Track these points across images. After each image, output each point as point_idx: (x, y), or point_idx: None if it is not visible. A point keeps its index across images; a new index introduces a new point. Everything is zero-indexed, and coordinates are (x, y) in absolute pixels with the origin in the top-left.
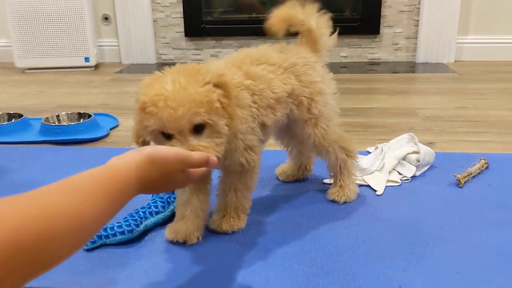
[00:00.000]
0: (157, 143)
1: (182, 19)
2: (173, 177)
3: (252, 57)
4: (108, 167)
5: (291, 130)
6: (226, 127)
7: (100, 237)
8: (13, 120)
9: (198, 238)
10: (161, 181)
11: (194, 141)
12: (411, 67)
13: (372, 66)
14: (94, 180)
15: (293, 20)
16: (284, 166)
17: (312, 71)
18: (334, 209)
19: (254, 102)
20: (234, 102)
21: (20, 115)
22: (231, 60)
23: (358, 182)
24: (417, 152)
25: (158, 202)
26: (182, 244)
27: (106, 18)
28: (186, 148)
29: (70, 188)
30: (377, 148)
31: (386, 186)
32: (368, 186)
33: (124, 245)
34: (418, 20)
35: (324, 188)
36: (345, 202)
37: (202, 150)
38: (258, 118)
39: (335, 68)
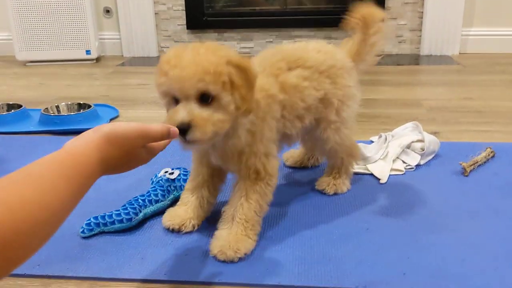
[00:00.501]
0: (168, 108)
1: (184, 11)
2: (135, 154)
3: (289, 59)
4: (68, 151)
5: (310, 130)
6: (232, 106)
7: (98, 224)
8: (12, 110)
9: (194, 227)
10: (124, 159)
11: (196, 109)
12: (415, 59)
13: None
14: (55, 167)
15: (372, 20)
16: (294, 152)
17: (348, 75)
18: (337, 198)
19: (283, 117)
20: (252, 87)
21: (20, 106)
22: (267, 64)
23: (361, 170)
24: (421, 141)
25: (158, 191)
26: (177, 232)
27: (108, 11)
28: (185, 115)
29: (31, 177)
30: (380, 136)
31: (390, 174)
32: (372, 174)
33: (121, 233)
34: (422, 12)
35: (314, 175)
36: (335, 194)
37: (200, 120)
38: (282, 130)
39: None
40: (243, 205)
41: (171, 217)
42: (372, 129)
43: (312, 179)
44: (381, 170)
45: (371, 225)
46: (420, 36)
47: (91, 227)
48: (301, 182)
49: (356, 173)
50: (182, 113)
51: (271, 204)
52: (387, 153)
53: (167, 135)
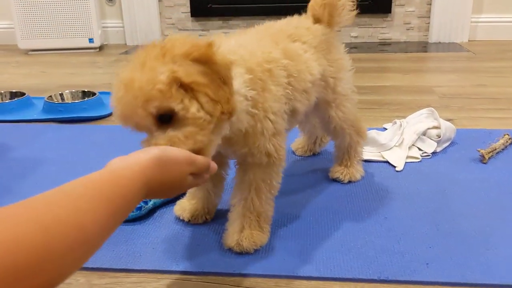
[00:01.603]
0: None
1: None
2: (182, 180)
3: (285, 33)
4: (111, 172)
5: (309, 111)
6: (201, 114)
7: None
8: (15, 98)
9: (206, 220)
10: (169, 185)
11: (163, 134)
12: (423, 47)
13: (383, 46)
14: (95, 187)
15: None
16: (300, 141)
17: (334, 48)
18: (352, 185)
19: (289, 84)
20: (226, 81)
21: (23, 94)
22: (265, 34)
23: (376, 158)
24: (437, 127)
25: None
26: (188, 222)
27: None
28: (159, 140)
29: (69, 197)
30: (395, 123)
31: (406, 162)
32: (387, 162)
33: (131, 222)
34: None
35: (327, 167)
36: (349, 182)
37: (180, 139)
38: (291, 103)
39: (345, 48)
40: (253, 201)
41: (181, 210)
42: (384, 117)
43: (324, 166)
44: (397, 157)
45: (389, 213)
46: (429, 23)
47: None
48: (312, 170)
49: (370, 161)
50: (154, 140)
51: (285, 192)
52: (402, 140)
53: (208, 168)
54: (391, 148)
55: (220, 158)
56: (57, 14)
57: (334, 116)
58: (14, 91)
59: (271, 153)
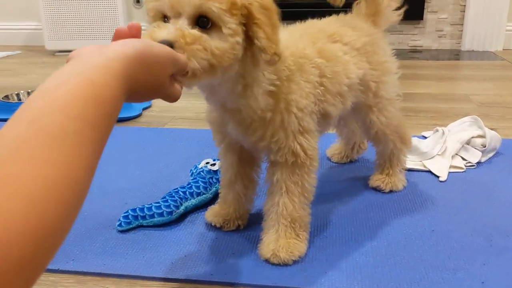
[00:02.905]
0: (152, 27)
1: None
2: (162, 81)
3: (326, 33)
4: (91, 83)
5: (347, 115)
6: (235, 41)
7: (136, 217)
8: None
9: (239, 226)
10: (149, 86)
11: (186, 28)
12: (456, 55)
13: (414, 53)
14: (79, 115)
15: None
16: (336, 147)
17: (380, 49)
18: (394, 195)
19: (321, 85)
20: (276, 29)
21: None
22: (305, 33)
23: (417, 167)
24: (482, 136)
25: (200, 182)
26: (220, 228)
27: (138, 1)
28: (170, 32)
29: (48, 135)
30: (437, 131)
31: (449, 172)
32: (429, 171)
33: (161, 227)
34: (464, 6)
35: (367, 175)
36: (391, 191)
37: (187, 42)
38: (322, 105)
39: None
40: (286, 205)
41: (213, 216)
42: (421, 124)
43: (363, 174)
44: (440, 166)
45: (436, 226)
46: (462, 30)
47: (128, 220)
48: (350, 177)
49: (411, 170)
50: (166, 30)
51: (322, 199)
52: (445, 149)
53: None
54: (433, 157)
55: (249, 158)
56: (84, 16)
57: (376, 121)
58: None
59: (298, 152)
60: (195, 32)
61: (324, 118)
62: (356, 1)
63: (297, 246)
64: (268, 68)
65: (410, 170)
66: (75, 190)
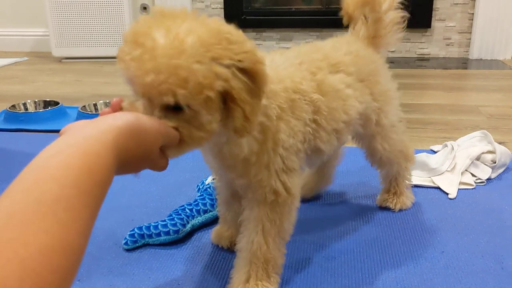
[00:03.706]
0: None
1: (222, 10)
2: (151, 154)
3: (330, 61)
4: (85, 153)
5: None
6: (214, 125)
7: (142, 236)
8: (49, 107)
9: None
10: (138, 158)
11: (159, 116)
12: (463, 63)
13: (422, 61)
14: (73, 184)
15: (373, 3)
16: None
17: (382, 78)
18: (402, 214)
19: (314, 122)
20: (259, 99)
21: (57, 103)
22: (306, 60)
23: (426, 183)
24: (492, 152)
25: (207, 199)
26: (227, 249)
27: (145, 8)
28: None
29: (44, 206)
30: (446, 146)
31: (458, 188)
32: (438, 188)
33: (167, 246)
34: (473, 14)
35: (373, 193)
36: (400, 210)
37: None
38: (314, 142)
39: None
40: (260, 244)
41: (218, 237)
42: (430, 137)
43: (371, 192)
44: (449, 183)
45: (446, 247)
46: (470, 39)
47: (135, 239)
48: (358, 195)
49: (420, 186)
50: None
51: (330, 220)
52: (454, 165)
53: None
54: (442, 173)
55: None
56: (91, 23)
57: (379, 149)
58: (48, 100)
59: (279, 191)
60: (171, 123)
61: (315, 154)
62: (353, 23)
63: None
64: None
65: (418, 186)
66: (70, 255)
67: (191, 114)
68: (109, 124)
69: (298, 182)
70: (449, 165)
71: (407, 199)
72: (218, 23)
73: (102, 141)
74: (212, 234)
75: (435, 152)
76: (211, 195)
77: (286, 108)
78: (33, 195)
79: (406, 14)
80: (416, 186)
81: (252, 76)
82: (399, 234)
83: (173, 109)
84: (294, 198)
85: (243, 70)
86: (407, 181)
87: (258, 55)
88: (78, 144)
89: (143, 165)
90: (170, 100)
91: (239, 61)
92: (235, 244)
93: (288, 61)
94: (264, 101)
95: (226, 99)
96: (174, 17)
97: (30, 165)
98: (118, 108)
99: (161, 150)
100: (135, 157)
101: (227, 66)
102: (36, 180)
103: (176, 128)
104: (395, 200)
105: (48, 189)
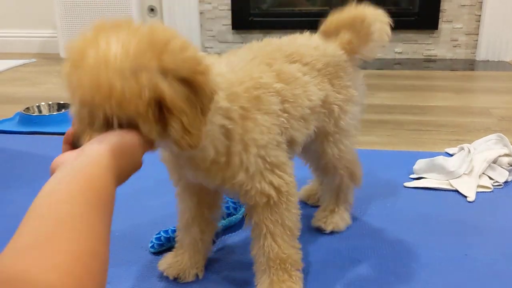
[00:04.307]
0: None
1: (230, 11)
2: (139, 164)
3: (284, 52)
4: (84, 176)
5: (308, 145)
6: (156, 136)
7: (168, 239)
8: (63, 110)
9: (196, 275)
10: (131, 169)
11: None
12: (470, 65)
13: (428, 63)
14: (80, 200)
15: (359, 21)
16: (309, 188)
17: (343, 73)
18: (425, 215)
19: (285, 111)
20: (205, 111)
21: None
22: (259, 54)
23: (444, 186)
24: (508, 155)
25: (230, 203)
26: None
27: (152, 10)
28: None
29: (65, 222)
30: (462, 149)
31: (476, 192)
32: (455, 191)
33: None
34: (480, 15)
35: (389, 194)
36: (331, 232)
37: None
38: (287, 132)
39: (389, 64)
40: (271, 247)
41: (168, 264)
42: (443, 140)
43: (388, 194)
44: (467, 186)
45: (469, 250)
46: (477, 40)
47: (161, 242)
48: (376, 198)
49: (438, 189)
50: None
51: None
52: (472, 168)
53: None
54: (460, 176)
55: (208, 200)
56: None
57: (328, 152)
58: (61, 102)
59: (268, 193)
60: None
61: (290, 145)
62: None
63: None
64: (215, 115)
65: (436, 189)
66: (98, 260)
67: (130, 125)
68: (99, 149)
69: (289, 176)
70: (466, 168)
71: (342, 220)
72: (155, 32)
73: (98, 164)
74: (162, 260)
75: (450, 155)
76: (233, 199)
77: (250, 107)
78: (51, 217)
79: (387, 32)
80: (433, 189)
81: (191, 86)
82: (421, 236)
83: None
84: (289, 195)
85: (181, 80)
86: (347, 202)
87: (200, 65)
88: (78, 170)
89: (130, 175)
90: (100, 113)
91: (173, 69)
92: (183, 275)
93: (242, 60)
94: (225, 104)
95: (163, 108)
96: (110, 31)
97: (37, 199)
98: (70, 140)
99: None
100: (129, 170)
101: (158, 73)
102: (49, 206)
103: None
104: (328, 221)
105: (62, 210)
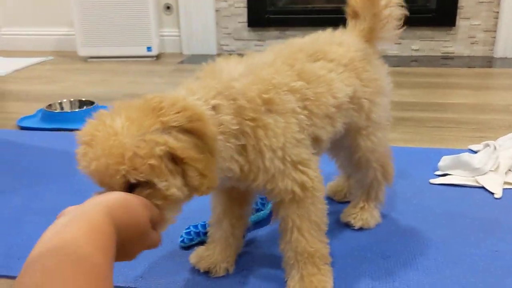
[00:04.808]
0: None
1: (245, 8)
2: (146, 227)
3: (307, 52)
4: (87, 220)
5: (338, 140)
6: (173, 189)
7: (198, 234)
8: (84, 107)
9: (226, 270)
10: (133, 229)
11: None
12: (488, 62)
13: (446, 60)
14: (84, 241)
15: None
16: (335, 184)
17: (370, 66)
18: (448, 212)
19: (305, 108)
20: (212, 153)
21: (92, 102)
22: (281, 55)
23: (470, 183)
24: None
25: (258, 199)
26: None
27: (168, 7)
28: None
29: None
30: (487, 146)
31: (503, 188)
32: (482, 187)
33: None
34: (498, 12)
35: (415, 193)
36: (361, 228)
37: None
38: (309, 129)
39: (405, 61)
40: (298, 241)
41: (199, 258)
42: (465, 137)
43: (416, 191)
44: (494, 183)
45: (499, 246)
46: (495, 37)
47: (191, 237)
48: (404, 196)
49: (464, 186)
50: None
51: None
52: (498, 165)
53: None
54: (486, 173)
55: (239, 197)
56: (116, 22)
57: (362, 146)
58: (83, 99)
59: (293, 190)
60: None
61: (315, 142)
62: (352, 17)
63: (322, 283)
64: (229, 139)
65: (462, 186)
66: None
67: (147, 186)
68: (101, 200)
69: (314, 172)
70: (492, 165)
71: (372, 218)
72: (148, 100)
73: (99, 211)
74: (192, 254)
75: (474, 152)
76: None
77: (259, 116)
78: (59, 254)
79: (405, 12)
80: (459, 185)
81: (194, 133)
82: (449, 233)
83: (134, 188)
84: (314, 190)
85: (183, 131)
86: (378, 200)
87: (194, 112)
88: (80, 216)
89: (139, 242)
90: (118, 179)
91: (173, 122)
92: (214, 268)
93: (262, 63)
94: (234, 126)
95: (177, 161)
96: (110, 113)
97: (39, 242)
98: None
99: (152, 227)
100: (131, 228)
101: (162, 131)
102: (54, 246)
103: None
104: (358, 216)
105: (70, 250)
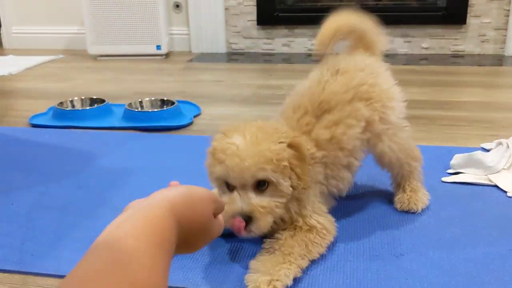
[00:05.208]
0: (219, 192)
1: (255, 7)
2: (209, 221)
3: (312, 107)
4: (148, 215)
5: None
6: (290, 188)
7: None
8: (95, 105)
9: None
10: (197, 223)
11: (254, 198)
12: (499, 60)
13: (456, 58)
14: (144, 236)
15: (346, 27)
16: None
17: (380, 76)
18: (466, 212)
19: (326, 178)
20: (306, 163)
21: (102, 100)
22: (293, 124)
23: (483, 181)
24: None
25: None
26: None
27: (177, 6)
28: (245, 206)
29: (136, 258)
30: (500, 144)
31: None
32: (494, 186)
33: (240, 239)
34: (509, 10)
35: (428, 187)
36: (422, 209)
37: (261, 211)
38: (327, 190)
39: (415, 59)
40: (287, 240)
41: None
42: (477, 135)
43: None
44: (507, 181)
45: None
46: (506, 35)
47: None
48: None
49: (477, 184)
50: (241, 203)
51: (393, 216)
52: (511, 163)
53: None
54: (499, 171)
55: None
56: (126, 21)
57: (387, 151)
58: (94, 97)
59: (315, 225)
60: (262, 201)
61: (349, 170)
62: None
63: (285, 271)
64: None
65: (474, 184)
66: None
67: (273, 187)
68: (165, 195)
69: (329, 221)
70: (505, 163)
71: (424, 195)
72: (263, 125)
73: (161, 206)
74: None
75: (487, 150)
76: None
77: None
78: (116, 247)
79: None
80: (472, 184)
81: (295, 148)
82: (463, 231)
83: (260, 188)
84: (328, 232)
85: (289, 146)
86: (419, 178)
87: (293, 133)
88: (142, 210)
89: (202, 236)
90: (263, 175)
91: (284, 139)
92: None
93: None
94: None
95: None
96: (234, 131)
97: (104, 232)
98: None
99: (214, 217)
100: (194, 222)
101: (288, 146)
102: (114, 238)
103: (263, 207)
104: (413, 199)
105: (127, 244)
